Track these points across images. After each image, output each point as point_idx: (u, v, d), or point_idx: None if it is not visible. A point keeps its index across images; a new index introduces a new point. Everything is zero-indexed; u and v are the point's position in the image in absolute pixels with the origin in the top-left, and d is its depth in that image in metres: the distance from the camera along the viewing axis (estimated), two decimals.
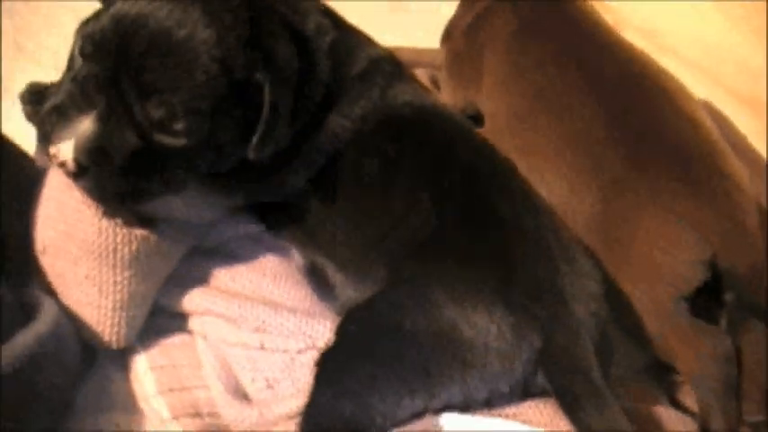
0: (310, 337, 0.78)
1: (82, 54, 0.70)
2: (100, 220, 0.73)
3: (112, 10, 0.69)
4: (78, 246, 0.73)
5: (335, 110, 0.82)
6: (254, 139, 0.74)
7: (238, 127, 0.74)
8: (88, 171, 0.68)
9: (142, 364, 0.77)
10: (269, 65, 0.73)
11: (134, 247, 0.74)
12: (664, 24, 1.32)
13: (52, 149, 0.68)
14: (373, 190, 0.82)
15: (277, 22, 0.76)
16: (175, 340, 0.81)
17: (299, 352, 0.77)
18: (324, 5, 0.87)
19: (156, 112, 0.69)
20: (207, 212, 0.85)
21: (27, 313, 0.71)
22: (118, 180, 0.69)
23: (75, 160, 0.67)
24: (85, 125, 0.67)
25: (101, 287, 0.73)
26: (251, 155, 0.75)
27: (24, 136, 0.80)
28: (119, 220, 0.74)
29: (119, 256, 0.73)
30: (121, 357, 0.79)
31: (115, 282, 0.73)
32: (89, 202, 0.73)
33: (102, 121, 0.68)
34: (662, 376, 0.92)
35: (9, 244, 0.76)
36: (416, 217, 0.80)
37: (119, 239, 0.73)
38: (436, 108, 0.88)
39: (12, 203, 0.77)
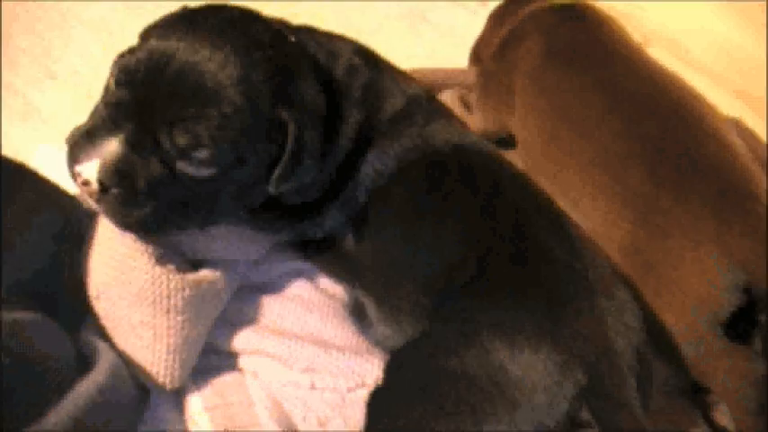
0: (359, 375, 0.79)
1: (116, 83, 0.72)
2: (153, 267, 0.74)
3: (147, 45, 0.71)
4: (133, 293, 0.74)
5: (374, 149, 0.83)
6: (275, 174, 0.75)
7: (262, 162, 0.75)
8: (110, 193, 0.69)
9: (196, 405, 0.78)
10: (295, 104, 0.74)
11: (187, 293, 0.75)
12: (688, 31, 1.30)
13: (77, 168, 0.69)
14: (414, 226, 0.83)
15: (306, 63, 0.78)
16: (227, 379, 0.82)
17: (349, 390, 0.79)
18: (359, 45, 0.88)
19: (181, 140, 0.70)
20: (253, 250, 0.86)
21: (82, 360, 0.73)
22: (140, 206, 0.71)
23: (99, 180, 0.69)
24: (111, 146, 0.69)
25: (155, 332, 0.74)
26: (271, 189, 0.76)
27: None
28: (171, 266, 0.75)
29: (172, 302, 0.74)
30: (174, 397, 0.80)
31: (169, 326, 0.74)
32: (142, 249, 0.74)
33: (128, 144, 0.69)
34: (697, 397, 0.94)
35: (60, 288, 0.77)
36: (457, 253, 0.81)
37: (172, 286, 0.74)
38: (475, 145, 0.89)
39: (56, 245, 0.77)
